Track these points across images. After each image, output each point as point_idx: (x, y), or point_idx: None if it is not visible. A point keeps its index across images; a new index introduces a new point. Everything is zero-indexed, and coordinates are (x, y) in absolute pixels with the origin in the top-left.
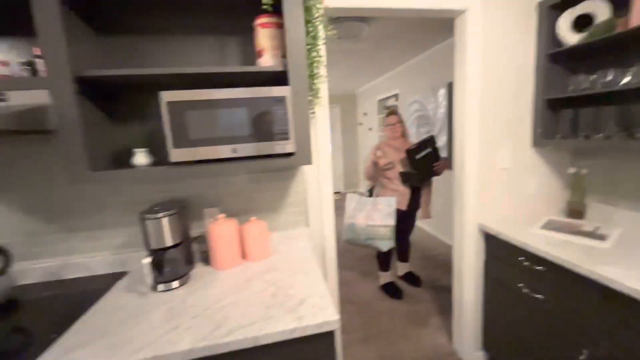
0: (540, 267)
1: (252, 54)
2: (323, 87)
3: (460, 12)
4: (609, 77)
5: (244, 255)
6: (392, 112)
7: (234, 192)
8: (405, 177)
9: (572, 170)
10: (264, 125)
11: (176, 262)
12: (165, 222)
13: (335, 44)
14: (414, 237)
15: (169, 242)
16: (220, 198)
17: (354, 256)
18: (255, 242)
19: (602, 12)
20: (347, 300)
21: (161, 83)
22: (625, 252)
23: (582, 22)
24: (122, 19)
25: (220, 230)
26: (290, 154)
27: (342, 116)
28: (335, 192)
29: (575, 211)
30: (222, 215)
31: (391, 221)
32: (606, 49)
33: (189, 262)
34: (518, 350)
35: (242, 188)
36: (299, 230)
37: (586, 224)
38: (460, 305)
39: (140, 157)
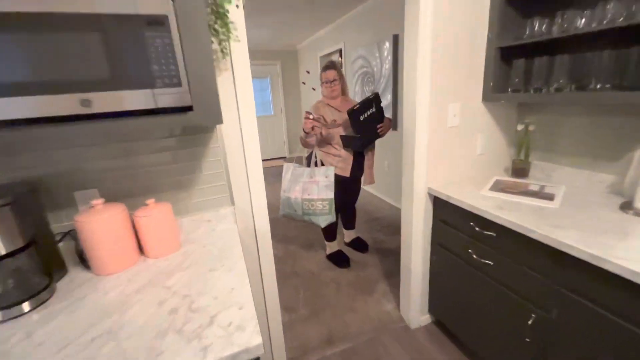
0: (491, 232)
1: None
2: (237, 16)
3: None
4: (566, 21)
5: (142, 251)
6: (330, 66)
7: (121, 166)
8: (347, 142)
9: (520, 127)
10: (135, 62)
11: (23, 274)
12: None
13: None
14: (357, 200)
15: (3, 247)
16: (101, 175)
17: (297, 226)
18: (155, 233)
19: None
20: (291, 274)
21: None
22: (573, 212)
23: None
24: None
25: (98, 222)
26: (186, 109)
27: (284, 74)
28: (280, 158)
29: (520, 169)
30: (99, 201)
31: (329, 194)
32: None
33: (54, 269)
34: (465, 314)
35: (132, 160)
36: (222, 211)
37: (532, 183)
38: (407, 272)
39: None
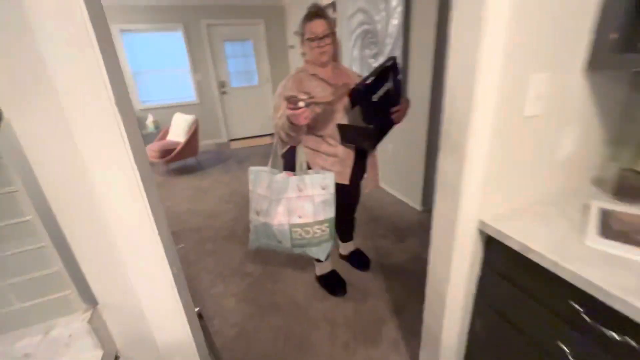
0: (625, 338)
1: None
2: None
3: None
4: None
5: None
6: (317, 12)
7: None
8: (351, 135)
9: None
10: None
11: None
12: None
13: None
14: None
15: None
16: None
17: None
18: None
19: None
20: (269, 306)
21: None
22: None
23: None
24: None
25: None
26: None
27: (269, 37)
28: (267, 135)
29: (632, 188)
30: None
31: (330, 212)
32: None
33: None
34: None
35: None
36: (58, 329)
37: None
38: (434, 341)
39: None
